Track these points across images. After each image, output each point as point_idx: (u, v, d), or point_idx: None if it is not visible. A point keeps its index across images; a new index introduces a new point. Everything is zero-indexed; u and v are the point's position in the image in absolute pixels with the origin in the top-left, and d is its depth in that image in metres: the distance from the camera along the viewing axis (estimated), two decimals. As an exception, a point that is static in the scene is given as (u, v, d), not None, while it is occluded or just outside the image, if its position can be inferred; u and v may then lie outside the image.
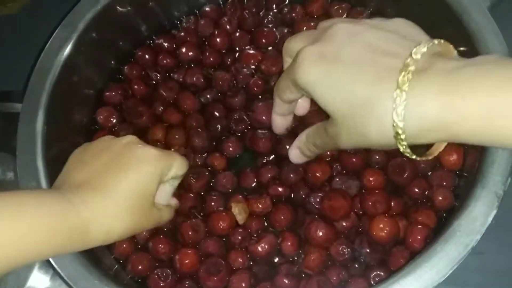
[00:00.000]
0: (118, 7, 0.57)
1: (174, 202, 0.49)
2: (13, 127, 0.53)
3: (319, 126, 0.42)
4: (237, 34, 0.61)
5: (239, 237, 0.50)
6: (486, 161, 0.41)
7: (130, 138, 0.44)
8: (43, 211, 0.36)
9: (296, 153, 0.48)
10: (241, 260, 0.49)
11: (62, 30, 0.54)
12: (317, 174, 0.51)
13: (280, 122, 0.50)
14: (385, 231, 0.47)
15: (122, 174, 0.40)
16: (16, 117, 0.53)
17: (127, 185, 0.40)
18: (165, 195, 0.46)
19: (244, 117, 0.56)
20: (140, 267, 0.50)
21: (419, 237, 0.46)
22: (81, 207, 0.37)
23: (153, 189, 0.41)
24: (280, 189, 0.51)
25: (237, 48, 0.60)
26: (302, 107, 0.49)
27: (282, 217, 0.49)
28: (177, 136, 0.55)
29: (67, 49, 0.53)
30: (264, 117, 0.53)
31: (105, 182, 0.40)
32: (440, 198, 0.48)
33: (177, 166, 0.44)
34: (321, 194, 0.49)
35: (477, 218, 0.39)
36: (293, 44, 0.43)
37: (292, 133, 0.52)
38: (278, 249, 0.49)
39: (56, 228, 0.36)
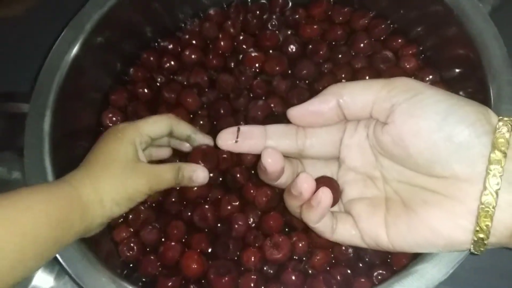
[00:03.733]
0: (124, 9, 0.58)
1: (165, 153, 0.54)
2: (18, 127, 0.54)
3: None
4: (241, 37, 0.61)
5: (252, 236, 0.50)
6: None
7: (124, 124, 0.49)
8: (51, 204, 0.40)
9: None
10: (254, 260, 0.49)
11: (70, 31, 0.55)
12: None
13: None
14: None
15: (114, 147, 0.45)
16: (22, 117, 0.54)
17: (103, 155, 0.45)
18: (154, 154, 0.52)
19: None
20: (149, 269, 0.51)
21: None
22: (75, 183, 0.42)
23: (127, 151, 0.45)
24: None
25: (241, 51, 0.61)
26: None
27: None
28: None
29: (75, 50, 0.54)
30: (259, 113, 0.55)
31: (104, 158, 0.45)
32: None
33: (151, 128, 0.48)
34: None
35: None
36: None
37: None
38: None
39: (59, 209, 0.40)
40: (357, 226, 0.40)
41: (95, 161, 0.45)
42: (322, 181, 0.39)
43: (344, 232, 0.41)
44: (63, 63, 0.53)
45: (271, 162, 0.39)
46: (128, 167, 0.45)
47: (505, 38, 0.47)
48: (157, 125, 0.48)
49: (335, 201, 0.40)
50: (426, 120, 0.34)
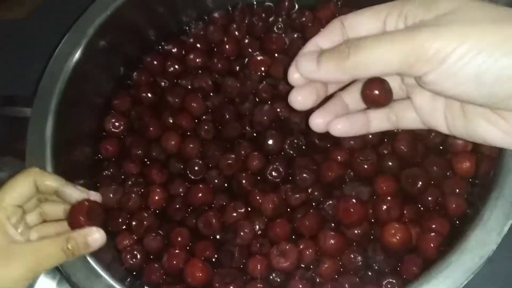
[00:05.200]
0: (127, 13, 0.57)
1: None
2: (20, 132, 0.53)
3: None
4: (246, 40, 0.60)
5: (258, 244, 0.49)
6: (502, 170, 0.41)
7: None
8: None
9: (311, 53, 0.34)
10: (260, 268, 0.48)
11: (72, 36, 0.54)
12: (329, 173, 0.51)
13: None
14: (397, 237, 0.46)
15: None
16: (24, 121, 0.53)
17: None
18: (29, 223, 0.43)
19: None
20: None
21: (432, 245, 0.46)
22: None
23: None
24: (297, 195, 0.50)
25: (246, 54, 0.60)
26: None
27: (307, 223, 0.49)
28: (191, 145, 0.55)
29: (77, 55, 0.53)
30: (265, 118, 0.54)
31: None
32: (454, 205, 0.48)
33: (9, 198, 0.40)
34: (333, 201, 0.49)
35: (493, 228, 0.38)
36: None
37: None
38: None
39: None
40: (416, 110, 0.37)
41: None
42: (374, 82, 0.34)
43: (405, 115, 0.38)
44: (65, 68, 0.52)
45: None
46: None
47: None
48: (18, 189, 0.41)
49: (386, 102, 0.35)
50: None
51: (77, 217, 0.42)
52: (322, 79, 0.34)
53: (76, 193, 0.44)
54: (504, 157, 0.42)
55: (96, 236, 0.42)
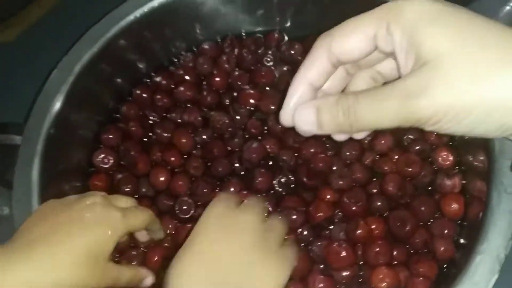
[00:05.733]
0: (116, 46, 0.56)
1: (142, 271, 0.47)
2: (10, 159, 0.53)
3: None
4: (236, 73, 0.60)
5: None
6: (487, 222, 0.41)
7: (94, 199, 0.43)
8: None
9: (309, 113, 0.32)
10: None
11: (58, 74, 0.53)
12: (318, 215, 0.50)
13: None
14: (385, 282, 0.46)
15: (78, 232, 0.39)
16: (13, 149, 0.53)
17: (81, 242, 0.39)
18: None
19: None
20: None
21: (421, 289, 0.46)
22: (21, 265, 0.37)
23: (108, 248, 0.41)
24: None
25: (236, 88, 0.60)
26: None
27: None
28: (180, 183, 0.55)
29: (63, 94, 0.52)
30: (254, 155, 0.54)
31: (59, 237, 0.39)
32: (442, 248, 0.48)
33: (140, 224, 0.44)
34: (323, 242, 0.49)
35: (478, 283, 0.38)
36: None
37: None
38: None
39: None
40: None
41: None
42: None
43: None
44: (51, 108, 0.52)
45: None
46: (95, 268, 0.40)
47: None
48: (145, 221, 0.45)
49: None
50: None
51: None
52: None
53: (161, 235, 0.51)
54: (489, 206, 0.42)
55: (149, 281, 0.47)
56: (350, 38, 0.31)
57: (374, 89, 0.30)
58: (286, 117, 0.33)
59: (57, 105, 0.52)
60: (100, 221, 0.41)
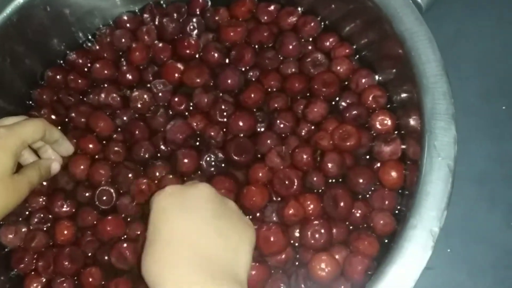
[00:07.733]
0: (26, 19, 0.50)
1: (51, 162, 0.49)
2: None
3: None
4: (157, 45, 0.54)
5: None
6: (419, 192, 0.37)
7: None
8: None
9: None
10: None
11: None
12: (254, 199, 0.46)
13: None
14: (326, 271, 0.43)
15: None
16: None
17: None
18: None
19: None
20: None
21: (359, 268, 0.42)
22: None
23: (6, 165, 0.42)
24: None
25: (157, 62, 0.54)
26: None
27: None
28: (102, 171, 0.50)
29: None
30: (178, 135, 0.49)
31: None
32: (381, 222, 0.44)
33: (31, 132, 0.44)
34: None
35: (411, 262, 0.34)
36: None
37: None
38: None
39: None
40: None
41: None
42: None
43: None
44: None
45: None
46: (4, 186, 0.42)
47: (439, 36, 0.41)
48: (36, 129, 0.45)
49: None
50: None
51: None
52: None
53: (70, 148, 0.50)
54: (425, 167, 0.38)
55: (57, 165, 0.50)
56: None
57: None
58: None
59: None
60: (6, 141, 0.42)
